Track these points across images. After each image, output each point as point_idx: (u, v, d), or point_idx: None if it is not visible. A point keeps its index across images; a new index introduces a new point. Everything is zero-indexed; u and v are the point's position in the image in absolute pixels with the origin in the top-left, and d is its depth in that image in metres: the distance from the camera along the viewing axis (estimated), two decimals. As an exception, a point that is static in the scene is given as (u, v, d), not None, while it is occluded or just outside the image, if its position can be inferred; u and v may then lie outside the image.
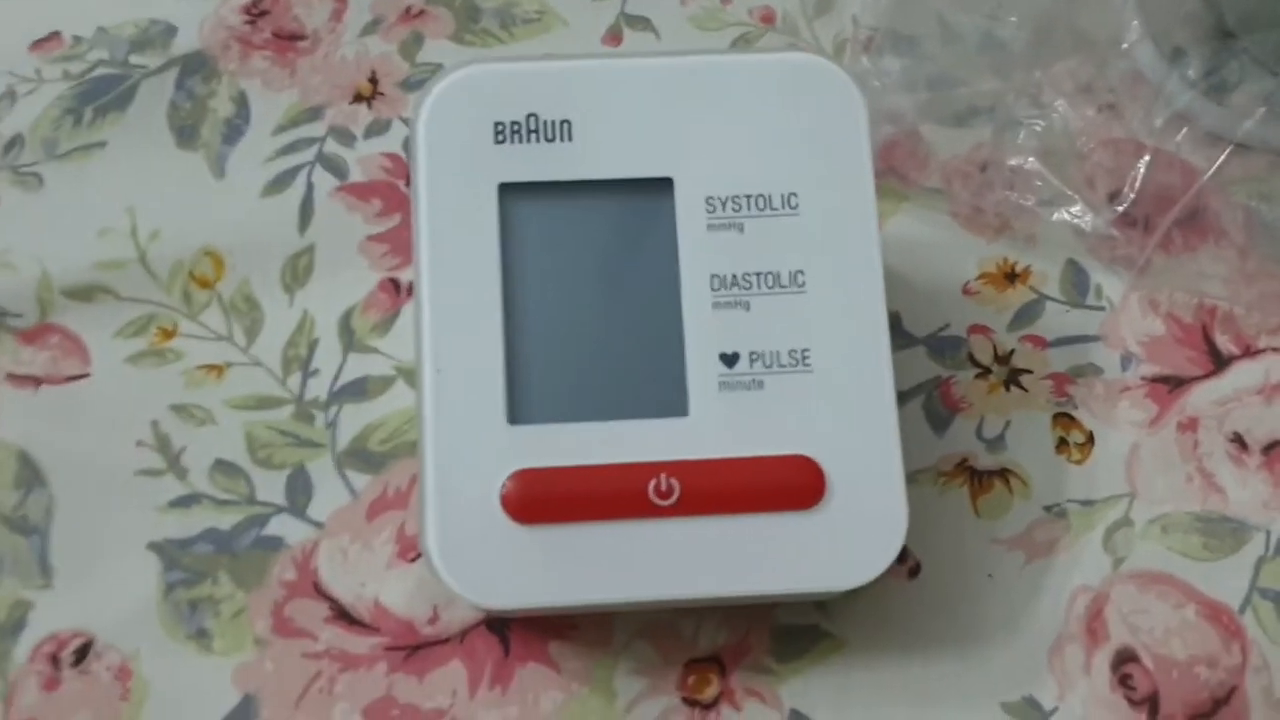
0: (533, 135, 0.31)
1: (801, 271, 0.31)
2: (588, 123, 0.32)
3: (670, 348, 0.30)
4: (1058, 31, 0.44)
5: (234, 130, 0.42)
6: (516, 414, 0.30)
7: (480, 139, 0.31)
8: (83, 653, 0.33)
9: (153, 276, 0.39)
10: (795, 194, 0.31)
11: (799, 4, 0.45)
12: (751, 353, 0.30)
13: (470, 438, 0.30)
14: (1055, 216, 0.40)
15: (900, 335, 0.38)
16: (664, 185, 0.31)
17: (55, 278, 0.38)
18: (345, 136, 0.42)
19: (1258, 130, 0.39)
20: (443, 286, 0.31)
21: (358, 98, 0.43)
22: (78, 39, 0.44)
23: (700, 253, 0.31)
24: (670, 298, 0.31)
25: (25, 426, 0.36)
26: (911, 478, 0.35)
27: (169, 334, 0.38)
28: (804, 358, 0.30)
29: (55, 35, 0.44)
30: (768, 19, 0.45)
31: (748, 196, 0.31)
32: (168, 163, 0.41)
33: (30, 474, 0.35)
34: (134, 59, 0.43)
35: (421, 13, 0.44)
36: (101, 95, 0.42)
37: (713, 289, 0.31)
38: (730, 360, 0.30)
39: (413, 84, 0.43)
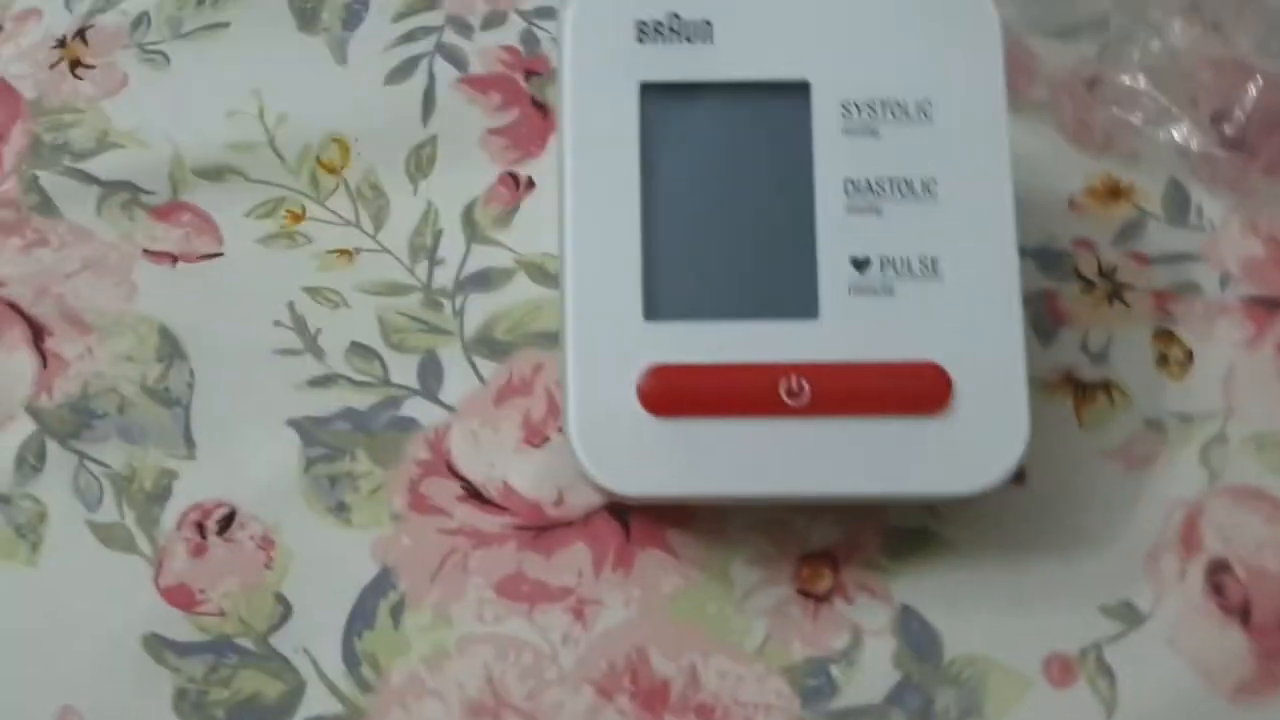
0: (674, 34, 0.32)
1: (934, 179, 0.32)
2: (728, 24, 0.32)
3: (803, 250, 0.31)
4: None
5: (354, 15, 0.42)
6: (652, 310, 0.31)
7: (623, 37, 0.32)
8: (227, 522, 0.34)
9: (281, 160, 0.40)
10: (930, 101, 0.32)
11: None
12: (883, 258, 0.31)
13: (609, 332, 0.31)
14: (1161, 135, 0.40)
15: (1006, 247, 0.39)
16: (801, 89, 0.32)
17: (187, 156, 0.40)
18: (463, 27, 0.42)
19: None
20: (585, 183, 0.32)
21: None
22: (197, -87, 0.44)
23: (835, 156, 0.32)
24: (804, 201, 0.32)
25: (164, 301, 0.37)
26: (1018, 388, 0.36)
27: (298, 217, 0.39)
28: (934, 265, 0.31)
29: (175, -94, 0.44)
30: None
31: (883, 102, 0.32)
32: (291, 46, 0.42)
33: (171, 347, 0.37)
34: (256, -62, 0.43)
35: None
36: (224, -26, 0.43)
37: (846, 193, 0.32)
38: (861, 265, 0.32)
39: (527, -25, 0.43)
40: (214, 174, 0.39)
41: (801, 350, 0.31)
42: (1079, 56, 0.43)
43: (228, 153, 0.40)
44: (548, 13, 0.43)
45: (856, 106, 0.32)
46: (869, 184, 0.32)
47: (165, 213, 0.39)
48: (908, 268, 0.31)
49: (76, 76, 0.41)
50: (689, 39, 0.32)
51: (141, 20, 0.42)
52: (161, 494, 0.35)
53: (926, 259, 0.32)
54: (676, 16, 0.32)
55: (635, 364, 0.31)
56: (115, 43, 0.42)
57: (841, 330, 0.31)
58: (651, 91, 0.32)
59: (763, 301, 0.31)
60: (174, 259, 0.38)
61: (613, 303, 0.31)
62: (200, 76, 0.41)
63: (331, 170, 0.40)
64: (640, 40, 0.32)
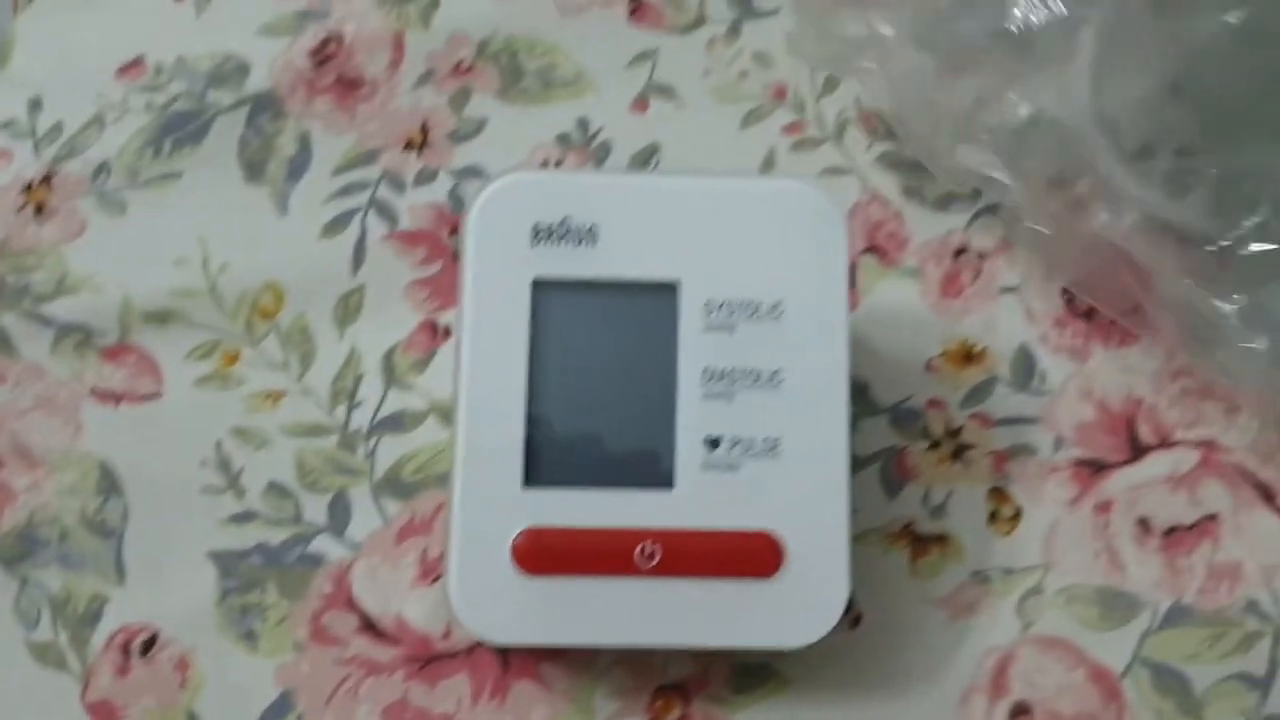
0: (564, 238, 0.37)
1: (779, 370, 0.36)
2: (612, 229, 0.37)
3: (664, 429, 0.36)
4: (1038, 128, 0.49)
5: (297, 168, 0.47)
6: (531, 477, 0.35)
7: (519, 238, 0.37)
8: (149, 644, 0.39)
9: (220, 306, 0.44)
10: (781, 302, 0.37)
11: (808, 83, 0.50)
12: (732, 438, 0.36)
13: (491, 496, 0.35)
14: (1015, 303, 0.45)
15: (868, 404, 0.44)
16: (671, 288, 0.37)
17: (136, 302, 0.44)
18: (396, 183, 0.47)
19: (1202, 226, 0.44)
20: (479, 365, 0.36)
21: (409, 145, 0.48)
22: (159, 68, 0.49)
23: (696, 349, 0.36)
24: (668, 385, 0.36)
25: (106, 439, 0.42)
26: (862, 536, 0.41)
27: (232, 359, 0.43)
28: (775, 446, 0.36)
29: (140, 60, 0.49)
30: (779, 94, 0.49)
31: (740, 303, 0.37)
32: (237, 196, 0.46)
33: (109, 483, 0.41)
34: (210, 94, 0.48)
35: (471, 68, 0.49)
36: (179, 128, 0.48)
37: (704, 381, 0.36)
38: (713, 444, 0.36)
39: (458, 137, 0.48)
40: (160, 318, 0.44)
41: (657, 517, 0.35)
42: (948, 227, 0.47)
43: (173, 298, 0.44)
44: (474, 171, 0.47)
45: (718, 305, 0.36)
46: (724, 373, 0.36)
47: (114, 354, 0.43)
48: (752, 447, 0.36)
49: (39, 221, 0.46)
50: (578, 241, 0.37)
51: (102, 169, 0.47)
52: (93, 617, 0.39)
53: (769, 439, 0.36)
54: (568, 221, 0.37)
55: (512, 526, 0.35)
56: (78, 190, 0.46)
57: (692, 501, 0.35)
58: (542, 286, 0.36)
59: (627, 473, 0.36)
60: (118, 399, 0.42)
61: (497, 470, 0.35)
62: (153, 224, 0.46)
63: (266, 315, 0.44)
64: (534, 241, 0.37)
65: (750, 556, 0.35)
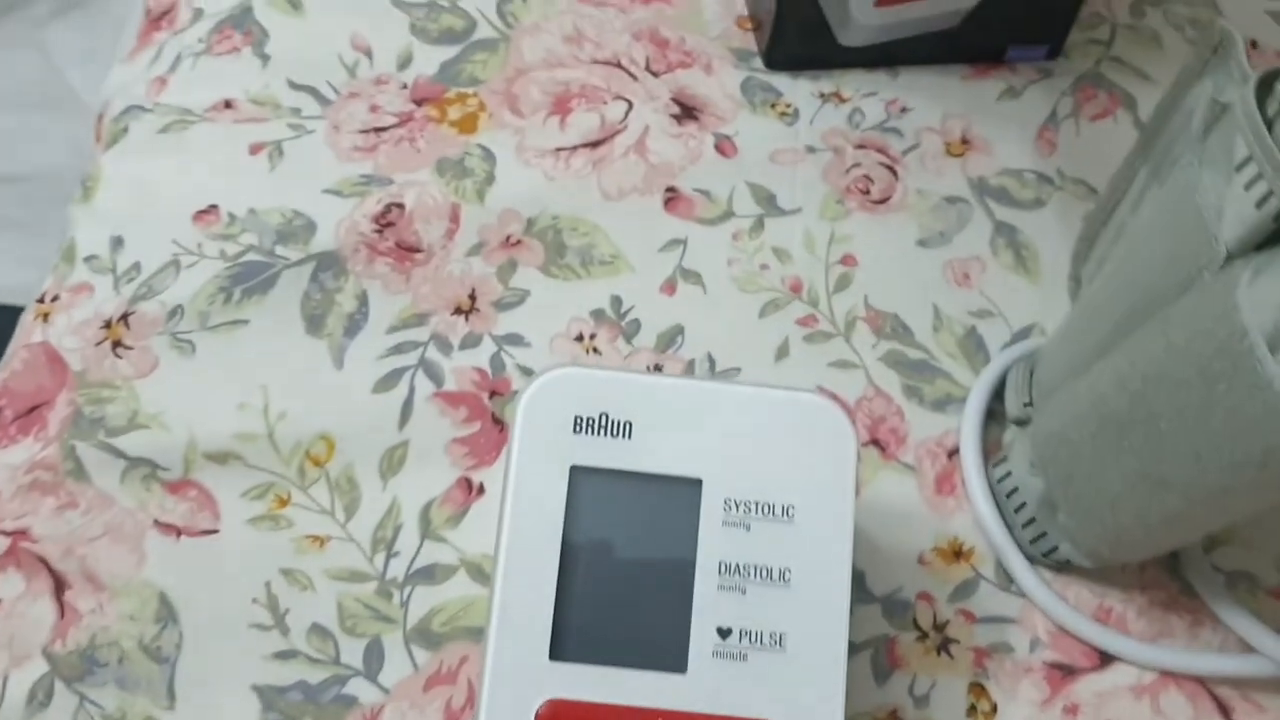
0: (602, 430, 0.41)
1: (789, 569, 0.40)
2: (645, 426, 0.41)
3: (681, 616, 0.39)
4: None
5: (354, 324, 0.51)
6: (556, 651, 0.39)
7: (562, 426, 0.41)
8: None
9: (277, 451, 0.48)
10: (793, 506, 0.41)
11: (823, 280, 0.55)
12: (742, 630, 0.39)
13: (519, 665, 0.38)
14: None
15: (863, 592, 0.48)
16: (695, 484, 0.41)
17: (200, 441, 0.48)
18: (444, 345, 0.51)
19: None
20: (516, 541, 0.39)
21: (458, 310, 0.52)
22: (233, 217, 0.53)
23: (714, 543, 0.40)
24: (687, 575, 0.40)
25: (167, 570, 0.45)
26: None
27: (284, 502, 0.47)
28: (781, 640, 0.40)
29: (214, 209, 0.54)
30: (796, 288, 0.54)
31: (757, 503, 0.41)
32: (297, 347, 0.51)
33: (167, 612, 0.45)
34: (279, 249, 0.53)
35: (519, 242, 0.54)
36: (250, 279, 0.52)
37: (719, 573, 0.40)
38: (725, 634, 0.40)
39: (503, 305, 0.53)
40: (220, 458, 0.48)
41: (670, 699, 0.39)
42: (944, 427, 0.52)
43: (234, 441, 0.48)
44: (515, 338, 0.52)
45: (736, 504, 0.40)
46: (738, 568, 0.40)
47: (176, 488, 0.47)
48: (760, 639, 0.39)
49: (117, 356, 0.50)
50: (613, 435, 0.41)
51: (176, 311, 0.51)
52: (143, 739, 0.43)
53: (776, 634, 0.39)
54: (605, 415, 0.41)
55: (537, 696, 0.38)
56: (152, 329, 0.51)
57: (702, 686, 0.39)
58: (578, 472, 0.40)
59: (645, 654, 0.39)
60: (179, 532, 0.46)
61: (525, 641, 0.39)
62: (219, 367, 0.50)
63: (317, 463, 0.48)
64: (575, 430, 0.41)
65: None
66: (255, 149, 0.55)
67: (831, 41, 0.59)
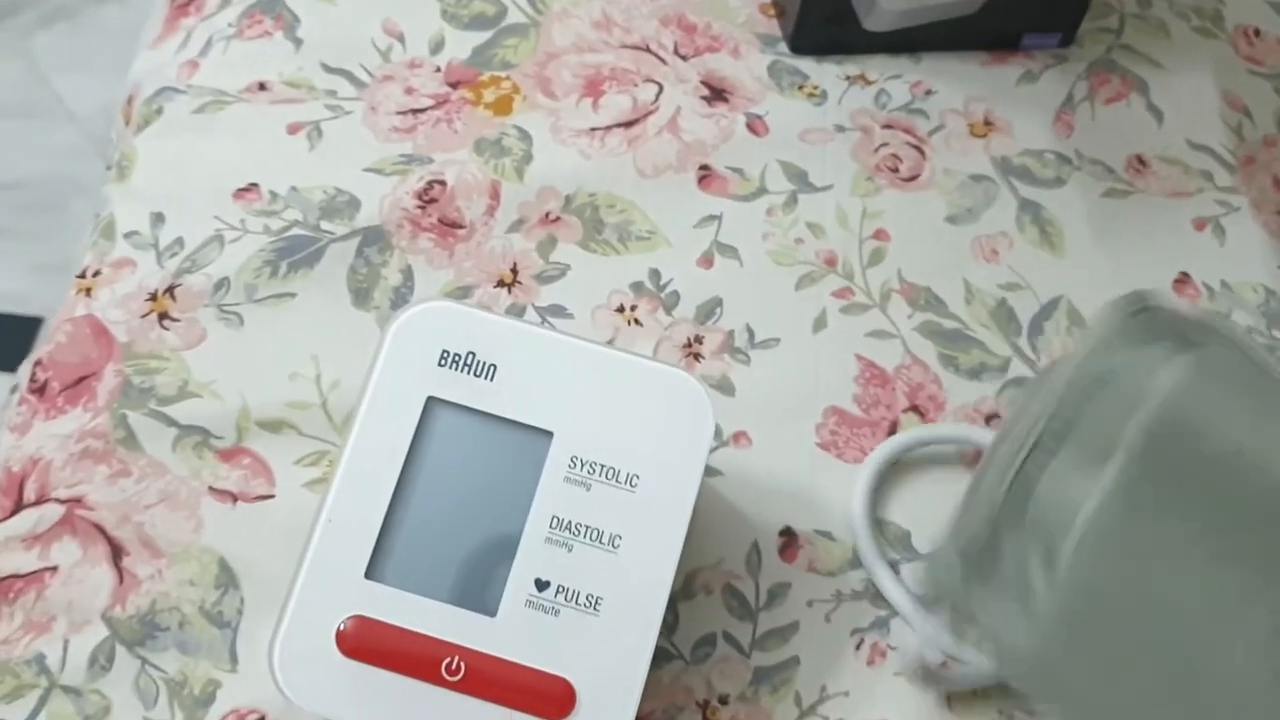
0: (466, 368, 0.41)
1: (620, 536, 0.40)
2: (509, 371, 0.41)
3: (503, 560, 0.39)
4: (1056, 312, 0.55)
5: (400, 297, 0.52)
6: (372, 571, 0.39)
7: (428, 357, 0.40)
8: (258, 727, 0.43)
9: (330, 419, 0.49)
10: (638, 475, 0.40)
11: (856, 253, 0.56)
12: (560, 586, 0.39)
13: (334, 578, 0.38)
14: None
15: (908, 550, 0.49)
16: (546, 436, 0.40)
17: (252, 409, 0.48)
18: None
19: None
20: (359, 457, 0.39)
21: (500, 283, 0.53)
22: (274, 194, 0.54)
23: (552, 496, 0.40)
24: (517, 522, 0.40)
25: (225, 535, 0.46)
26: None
27: (337, 468, 0.48)
28: (596, 603, 0.39)
29: (254, 186, 0.54)
30: (830, 261, 0.55)
31: (602, 466, 0.40)
32: (345, 318, 0.51)
33: (227, 578, 0.45)
34: (324, 224, 0.53)
35: (558, 219, 0.55)
36: (295, 253, 0.52)
37: (549, 526, 0.40)
38: (542, 586, 0.39)
39: (544, 278, 0.53)
40: (273, 426, 0.48)
41: (472, 639, 0.38)
42: (980, 393, 0.53)
43: (287, 409, 0.49)
44: (558, 310, 0.53)
45: (582, 462, 0.40)
46: (569, 525, 0.40)
47: (229, 455, 0.47)
48: (576, 598, 0.39)
49: (164, 327, 0.50)
50: (476, 374, 0.41)
51: (223, 284, 0.51)
52: (207, 699, 0.43)
53: (593, 596, 0.39)
54: (473, 355, 0.41)
55: (344, 610, 0.38)
56: (198, 301, 0.51)
57: (508, 632, 0.39)
58: (435, 404, 0.40)
59: (458, 591, 0.39)
60: (234, 498, 0.46)
61: (345, 555, 0.39)
62: (268, 338, 0.50)
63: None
64: (440, 364, 0.41)
65: (543, 697, 0.38)
66: (293, 129, 0.56)
67: (855, 26, 0.61)
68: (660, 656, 0.46)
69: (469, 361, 0.41)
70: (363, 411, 0.40)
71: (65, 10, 1.47)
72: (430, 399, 0.40)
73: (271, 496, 0.46)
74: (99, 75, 1.40)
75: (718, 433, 0.50)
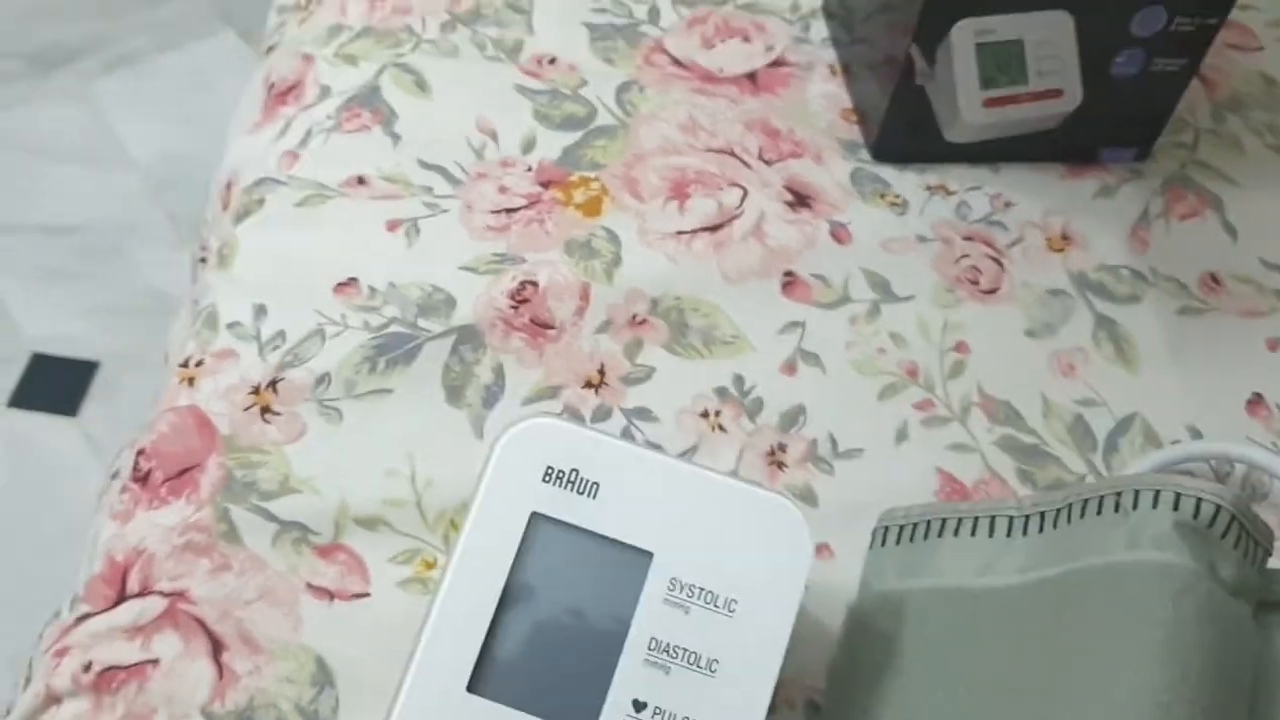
0: (570, 485, 0.42)
1: (717, 660, 0.40)
2: (612, 491, 0.42)
3: (601, 679, 0.40)
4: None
5: (492, 395, 0.53)
6: (475, 685, 0.40)
7: (533, 472, 0.42)
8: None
9: (423, 517, 0.50)
10: (736, 600, 0.41)
11: (938, 365, 0.57)
12: (656, 707, 0.40)
13: (437, 691, 0.39)
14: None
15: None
16: (646, 556, 0.41)
17: (350, 506, 0.50)
18: (575, 417, 0.53)
19: None
20: (463, 572, 0.41)
21: (588, 384, 0.54)
22: (373, 290, 0.55)
23: (651, 617, 0.41)
24: (616, 642, 0.40)
25: (321, 634, 0.47)
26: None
27: (430, 565, 0.49)
28: None
29: (354, 281, 0.56)
30: (912, 373, 0.56)
31: (701, 589, 0.41)
32: (439, 416, 0.52)
33: (323, 675, 0.46)
34: (421, 322, 0.54)
35: (644, 321, 0.56)
36: (393, 350, 0.54)
37: (649, 648, 0.40)
38: (639, 707, 0.40)
39: (630, 380, 0.54)
40: (369, 523, 0.49)
41: None
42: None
43: (383, 506, 0.50)
44: (643, 413, 0.54)
45: (681, 585, 0.41)
46: (668, 647, 0.40)
47: (326, 551, 0.49)
48: None
49: (265, 421, 0.51)
50: (579, 491, 0.42)
51: (324, 379, 0.53)
52: (299, 796, 0.44)
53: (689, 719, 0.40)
54: (577, 472, 0.42)
55: None
56: (300, 395, 0.52)
57: None
58: (538, 519, 0.41)
59: (558, 708, 0.40)
60: (331, 595, 0.48)
61: (448, 670, 0.40)
62: (366, 435, 0.51)
63: (459, 529, 0.49)
64: (544, 480, 0.42)
65: None
66: (392, 225, 0.57)
67: (936, 136, 0.62)
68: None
69: (573, 479, 0.42)
70: (469, 524, 0.41)
71: (128, 57, 1.50)
72: (534, 514, 0.41)
73: (367, 595, 0.48)
74: (160, 122, 1.44)
75: (800, 543, 0.51)
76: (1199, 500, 0.41)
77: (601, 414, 0.53)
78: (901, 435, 0.54)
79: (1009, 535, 0.45)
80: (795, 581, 0.41)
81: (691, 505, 0.42)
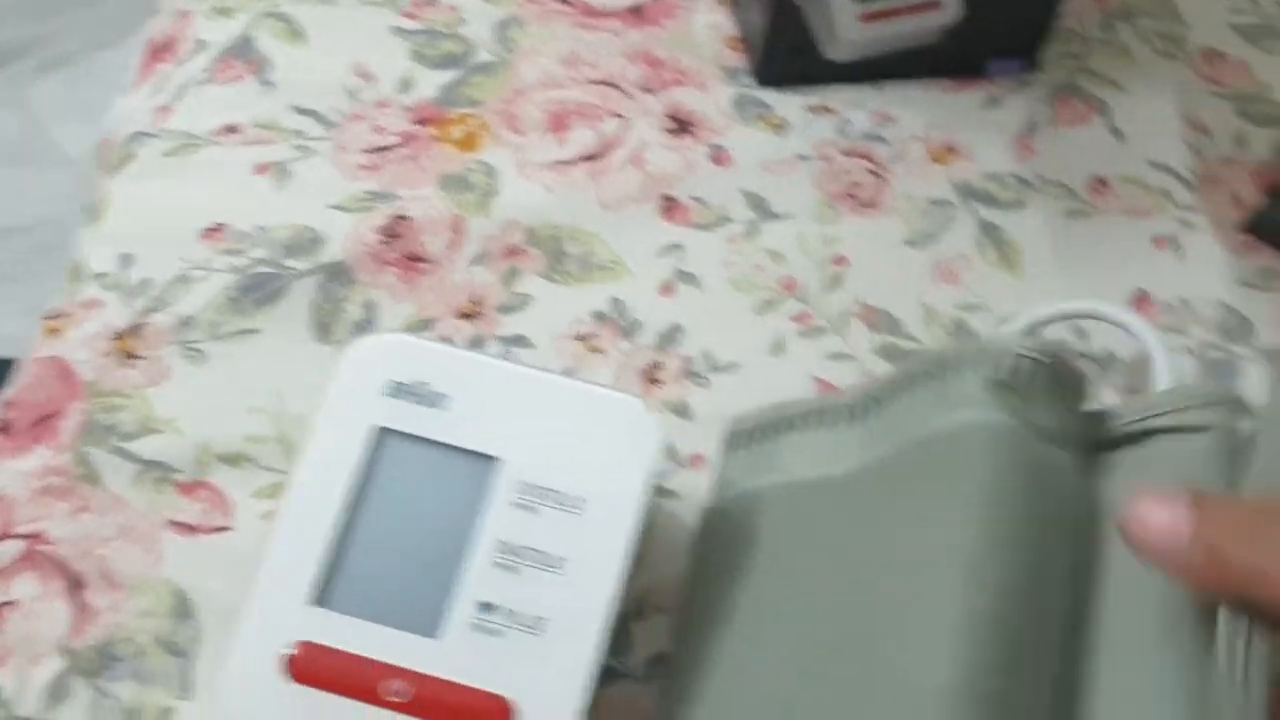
0: (415, 397, 0.41)
1: (565, 558, 0.40)
2: (458, 400, 0.41)
3: (447, 583, 0.40)
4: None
5: (362, 331, 0.53)
6: (318, 597, 0.39)
7: (378, 387, 0.41)
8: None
9: (287, 452, 0.49)
10: (584, 498, 0.41)
11: (816, 279, 0.56)
12: (503, 608, 0.40)
13: (280, 606, 0.39)
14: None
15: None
16: (493, 462, 0.41)
17: (213, 444, 0.49)
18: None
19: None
20: (307, 485, 0.40)
21: (463, 315, 0.54)
22: (241, 233, 0.55)
23: (499, 520, 0.40)
24: (462, 546, 0.40)
25: (182, 567, 0.46)
26: None
27: (296, 500, 0.48)
28: (540, 625, 0.40)
29: (221, 227, 0.55)
30: (790, 287, 0.56)
31: (549, 490, 0.41)
32: (308, 353, 0.52)
33: (184, 609, 0.45)
34: (288, 261, 0.54)
35: (521, 251, 0.55)
36: (259, 289, 0.53)
37: (497, 551, 0.40)
38: (486, 608, 0.40)
39: (506, 309, 0.54)
40: (233, 460, 0.49)
41: (416, 661, 0.39)
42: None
43: (246, 443, 0.49)
44: (519, 340, 0.53)
45: (528, 487, 0.41)
46: (516, 549, 0.40)
47: (189, 489, 0.48)
48: (520, 621, 0.40)
49: (128, 366, 0.51)
50: (425, 404, 0.41)
51: (187, 322, 0.52)
52: (161, 728, 0.44)
53: (537, 618, 0.40)
54: (423, 384, 0.42)
55: (291, 636, 0.39)
56: (163, 339, 0.52)
57: (451, 654, 0.39)
58: (384, 434, 0.41)
59: (403, 614, 0.39)
60: (193, 530, 0.47)
61: (291, 583, 0.39)
62: (231, 374, 0.51)
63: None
64: (390, 394, 0.41)
65: (483, 716, 0.39)
66: (261, 169, 0.57)
67: (819, 58, 0.61)
68: (612, 676, 0.46)
69: (418, 391, 0.41)
70: (311, 441, 0.40)
71: (62, 58, 1.50)
72: (379, 428, 0.41)
73: (229, 528, 0.47)
74: (96, 122, 1.43)
75: (675, 455, 0.51)
76: (1008, 357, 0.41)
77: (476, 342, 0.53)
78: (778, 348, 0.54)
79: (845, 425, 0.45)
80: (641, 476, 0.41)
81: (540, 410, 0.42)
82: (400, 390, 0.41)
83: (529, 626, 0.40)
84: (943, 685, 0.36)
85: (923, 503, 0.40)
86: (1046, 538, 0.39)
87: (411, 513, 0.41)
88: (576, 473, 0.41)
